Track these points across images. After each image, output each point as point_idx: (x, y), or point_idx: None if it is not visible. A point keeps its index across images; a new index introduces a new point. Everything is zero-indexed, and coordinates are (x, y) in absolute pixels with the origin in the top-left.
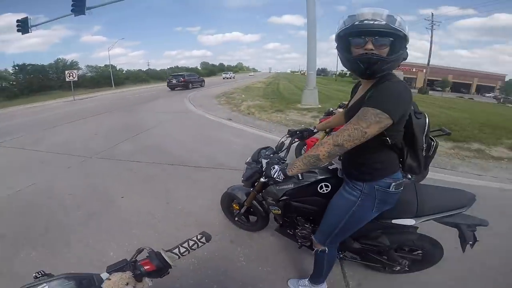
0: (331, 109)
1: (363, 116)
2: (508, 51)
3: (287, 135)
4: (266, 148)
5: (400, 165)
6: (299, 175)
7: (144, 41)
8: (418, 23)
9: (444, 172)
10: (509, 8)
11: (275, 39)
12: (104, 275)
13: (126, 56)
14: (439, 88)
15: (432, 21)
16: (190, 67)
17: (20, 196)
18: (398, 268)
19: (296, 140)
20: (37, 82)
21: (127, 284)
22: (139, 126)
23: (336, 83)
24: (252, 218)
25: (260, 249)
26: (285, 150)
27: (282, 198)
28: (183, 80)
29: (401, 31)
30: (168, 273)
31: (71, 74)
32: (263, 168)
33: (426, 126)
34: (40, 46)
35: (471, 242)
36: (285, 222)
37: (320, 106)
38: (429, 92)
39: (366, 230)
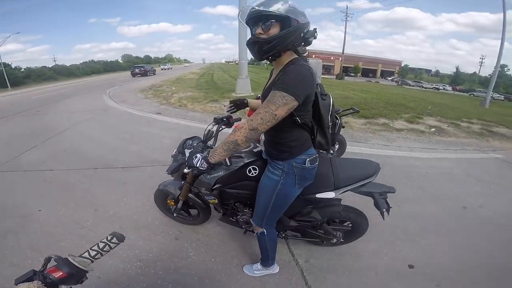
0: (259, 95)
1: (272, 99)
2: (403, 41)
3: (213, 123)
4: (192, 138)
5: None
6: (228, 161)
7: (48, 34)
8: (335, 15)
9: (359, 145)
10: (407, 2)
11: (209, 30)
12: None
13: (24, 52)
14: (352, 74)
15: (347, 14)
16: (109, 60)
17: None
18: (335, 240)
19: (223, 127)
20: None
21: None
22: (49, 129)
23: (267, 72)
24: (193, 212)
25: (208, 241)
26: (213, 138)
27: (215, 187)
28: (144, 69)
29: (273, 12)
30: (86, 278)
31: None
32: (186, 158)
33: (331, 106)
34: None
35: (385, 209)
36: (225, 210)
37: (253, 94)
38: (345, 77)
39: (298, 207)
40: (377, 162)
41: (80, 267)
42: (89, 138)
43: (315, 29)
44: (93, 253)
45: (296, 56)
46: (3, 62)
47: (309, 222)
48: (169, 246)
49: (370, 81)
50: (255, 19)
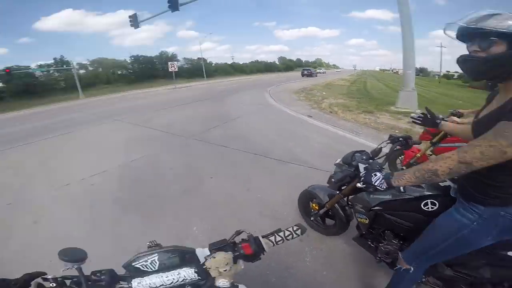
0: (441, 116)
1: (504, 132)
2: None
3: (388, 141)
4: (361, 151)
5: None
6: (401, 187)
7: (228, 35)
8: None
9: None
10: None
11: (359, 35)
12: (205, 251)
13: (214, 50)
14: None
15: None
16: (268, 61)
17: (135, 164)
18: None
19: (397, 147)
20: (148, 71)
21: (227, 264)
22: (227, 115)
23: (439, 86)
24: (329, 222)
25: (330, 255)
26: (384, 158)
27: (374, 208)
28: (310, 72)
29: (492, 29)
30: (260, 258)
31: (172, 65)
32: (361, 174)
33: None
34: (147, 40)
35: None
36: (368, 233)
37: (418, 110)
38: None
39: (468, 258)
40: None
41: (265, 248)
42: (254, 127)
43: None
44: (278, 238)
45: None
46: (202, 58)
47: (470, 277)
48: (291, 245)
49: None
50: (470, 35)
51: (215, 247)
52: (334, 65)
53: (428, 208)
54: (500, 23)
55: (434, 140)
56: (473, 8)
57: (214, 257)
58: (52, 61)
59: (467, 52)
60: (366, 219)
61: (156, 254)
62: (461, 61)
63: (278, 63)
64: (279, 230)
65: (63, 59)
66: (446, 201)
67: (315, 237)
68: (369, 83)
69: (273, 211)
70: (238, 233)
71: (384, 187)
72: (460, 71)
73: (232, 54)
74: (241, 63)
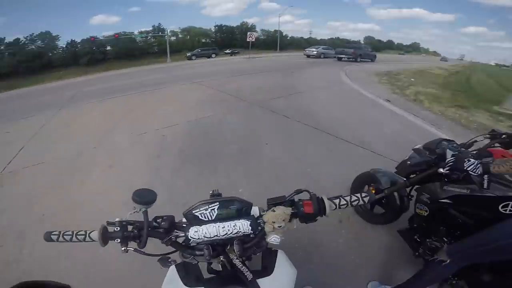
0: None
1: None
2: None
3: (487, 135)
4: (449, 140)
5: None
6: (485, 183)
7: (310, 10)
8: None
9: None
10: None
11: (482, 23)
12: (255, 210)
13: (292, 23)
14: None
15: None
16: (351, 39)
17: (203, 121)
18: None
19: (497, 144)
20: (228, 40)
21: (283, 220)
22: (294, 88)
23: None
24: (377, 210)
25: (365, 241)
26: (475, 151)
27: (442, 200)
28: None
29: None
30: (316, 220)
31: (251, 35)
32: (448, 159)
33: None
34: (233, 10)
35: None
36: (419, 227)
37: None
38: None
39: None
40: None
41: (327, 209)
42: (320, 103)
43: None
44: (342, 202)
45: None
46: (279, 30)
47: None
48: (329, 223)
49: None
50: None
51: (273, 202)
52: (434, 51)
53: (506, 210)
54: None
55: None
56: None
57: (274, 211)
58: (151, 28)
59: None
60: (427, 211)
61: (217, 203)
62: None
63: (362, 42)
64: (344, 195)
65: (160, 27)
66: None
67: (356, 222)
68: (474, 77)
69: (321, 188)
70: (298, 191)
71: (479, 172)
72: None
73: (311, 29)
74: (318, 38)
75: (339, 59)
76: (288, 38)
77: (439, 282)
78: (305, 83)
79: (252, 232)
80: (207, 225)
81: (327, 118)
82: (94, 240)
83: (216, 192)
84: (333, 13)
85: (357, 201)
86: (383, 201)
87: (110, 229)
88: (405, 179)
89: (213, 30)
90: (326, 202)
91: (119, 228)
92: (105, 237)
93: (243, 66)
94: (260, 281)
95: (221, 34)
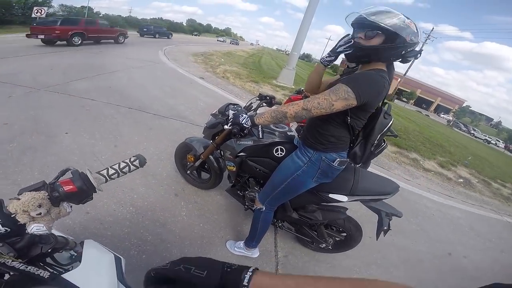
0: (302, 88)
1: (336, 90)
2: (477, 79)
3: (257, 98)
4: (234, 104)
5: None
6: (260, 133)
7: None
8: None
9: (381, 170)
10: (499, 38)
11: (272, 15)
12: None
13: (116, 1)
14: (404, 99)
15: (428, 36)
16: (174, 21)
17: None
18: (324, 245)
19: (264, 104)
20: (1, 15)
21: (39, 206)
22: (103, 68)
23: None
24: (204, 176)
25: (204, 207)
26: (253, 111)
27: (240, 154)
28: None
29: (382, 25)
30: (92, 198)
31: (39, 10)
32: (229, 117)
33: (387, 127)
34: None
35: (385, 228)
36: (237, 182)
37: (293, 86)
38: (395, 100)
39: (305, 201)
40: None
41: (94, 184)
42: (134, 83)
43: (420, 50)
44: (111, 171)
45: (382, 68)
46: (88, 6)
47: (309, 219)
48: (166, 200)
49: (420, 112)
50: (362, 24)
51: (26, 190)
52: (240, 36)
53: (278, 154)
54: (388, 20)
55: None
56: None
57: (19, 199)
58: None
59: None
60: (234, 166)
61: None
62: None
63: (185, 24)
64: (115, 163)
65: None
66: (291, 148)
67: (191, 191)
68: (264, 59)
69: (145, 167)
70: (63, 172)
71: (249, 124)
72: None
73: (131, 7)
74: (139, 18)
75: (142, 35)
76: (101, 15)
77: (271, 226)
78: (118, 62)
79: (7, 229)
80: None
81: (144, 97)
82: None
83: None
84: None
85: (127, 166)
86: (206, 166)
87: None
88: (211, 141)
89: None
90: (91, 176)
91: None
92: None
93: (26, 45)
94: (67, 275)
95: None
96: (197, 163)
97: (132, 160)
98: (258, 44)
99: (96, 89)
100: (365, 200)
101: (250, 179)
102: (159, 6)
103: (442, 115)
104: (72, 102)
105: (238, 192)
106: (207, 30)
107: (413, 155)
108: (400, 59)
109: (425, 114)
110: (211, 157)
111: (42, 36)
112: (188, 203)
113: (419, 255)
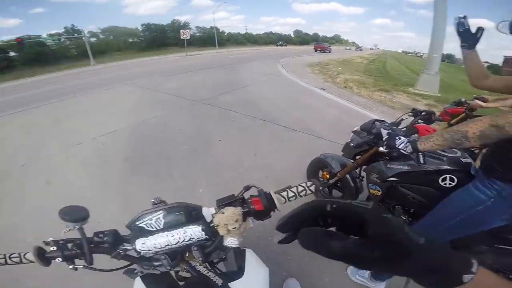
0: (463, 99)
1: None
2: None
3: (410, 113)
4: (380, 120)
5: None
6: (421, 158)
7: (243, 6)
8: None
9: None
10: None
11: (385, 15)
12: (210, 210)
13: (228, 19)
14: None
15: None
16: (283, 34)
17: (145, 125)
18: None
19: (420, 121)
20: (159, 39)
21: (236, 220)
22: (238, 82)
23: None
24: (335, 194)
25: None
26: (405, 128)
27: (390, 179)
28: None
29: None
30: (270, 216)
31: (184, 32)
32: (384, 138)
33: None
34: (161, 8)
35: None
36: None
37: (439, 95)
38: None
39: (474, 240)
40: None
41: (276, 204)
42: (264, 96)
43: None
44: (290, 194)
45: None
46: (215, 26)
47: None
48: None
49: None
50: None
51: (223, 203)
52: (353, 42)
53: (446, 184)
54: None
55: (452, 122)
56: None
57: (223, 213)
58: (63, 30)
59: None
60: (379, 191)
61: (161, 212)
62: None
63: (293, 36)
64: (291, 186)
65: (74, 28)
66: (466, 178)
67: None
68: (389, 64)
69: (280, 177)
70: (247, 188)
71: (409, 151)
72: (490, 61)
73: (246, 24)
74: (254, 33)
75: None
76: (226, 34)
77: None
78: (247, 77)
79: (207, 237)
80: (155, 236)
81: (273, 110)
82: (32, 261)
83: (158, 200)
84: (263, 8)
85: (304, 191)
86: (338, 184)
87: (48, 248)
88: (352, 160)
89: (140, 29)
90: (274, 196)
91: (55, 248)
92: (43, 257)
93: (180, 65)
94: (232, 284)
95: (151, 33)
96: (332, 181)
97: (308, 184)
98: (378, 48)
99: (237, 102)
100: None
101: (397, 206)
102: (266, 21)
103: None
104: (221, 113)
105: None
106: (315, 39)
107: None
108: None
109: None
110: (347, 176)
111: None
112: None
113: None
